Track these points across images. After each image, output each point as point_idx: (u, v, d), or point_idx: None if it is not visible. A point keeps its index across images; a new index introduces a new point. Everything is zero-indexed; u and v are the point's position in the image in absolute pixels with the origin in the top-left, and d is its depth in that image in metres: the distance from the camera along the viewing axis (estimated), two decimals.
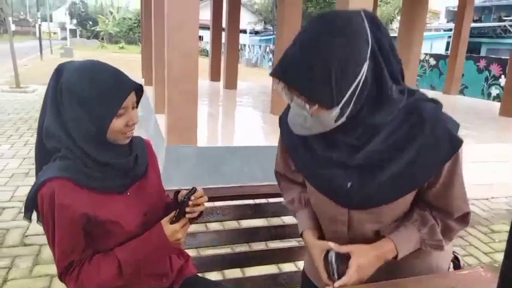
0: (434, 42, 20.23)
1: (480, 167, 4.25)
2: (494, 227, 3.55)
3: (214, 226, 2.43)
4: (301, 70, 0.89)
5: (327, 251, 1.11)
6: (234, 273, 1.96)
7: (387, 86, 0.94)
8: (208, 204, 1.69)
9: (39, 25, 24.00)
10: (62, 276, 1.17)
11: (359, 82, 0.90)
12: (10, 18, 12.06)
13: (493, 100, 10.31)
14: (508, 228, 2.76)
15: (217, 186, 1.85)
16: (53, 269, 2.58)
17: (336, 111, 0.91)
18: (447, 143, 0.96)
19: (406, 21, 9.05)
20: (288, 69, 0.92)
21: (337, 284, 1.03)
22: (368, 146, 0.98)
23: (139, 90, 1.19)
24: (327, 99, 0.90)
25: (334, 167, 1.04)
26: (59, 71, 1.13)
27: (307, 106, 0.92)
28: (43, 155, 1.16)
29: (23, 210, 3.31)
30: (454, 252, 1.39)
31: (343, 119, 0.94)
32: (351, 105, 0.92)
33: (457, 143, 0.96)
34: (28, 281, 2.41)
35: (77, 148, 1.10)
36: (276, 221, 1.81)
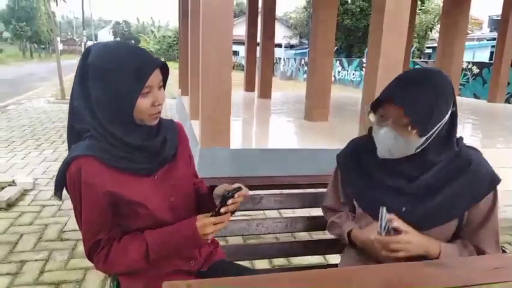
0: (476, 52, 19.47)
1: None
2: None
3: (242, 216, 2.38)
4: (415, 98, 1.11)
5: (380, 208, 1.18)
6: (262, 263, 1.91)
7: (455, 137, 1.19)
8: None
9: (85, 44, 25.38)
10: (90, 255, 1.16)
11: (442, 123, 1.13)
12: (58, 38, 12.80)
13: None
14: None
15: (247, 176, 1.82)
16: (87, 262, 2.62)
17: (422, 140, 1.13)
18: (488, 180, 1.16)
19: (446, 29, 8.79)
20: (402, 94, 1.12)
21: (383, 235, 1.13)
22: (422, 176, 1.17)
23: (165, 70, 1.16)
24: (424, 126, 1.11)
25: (391, 193, 1.21)
26: (87, 50, 1.12)
27: (409, 127, 1.12)
28: (73, 136, 1.16)
29: (62, 208, 3.40)
30: (501, 247, 1.39)
31: (418, 150, 1.16)
32: (430, 140, 1.14)
33: (497, 180, 1.16)
34: (63, 273, 2.46)
35: (103, 128, 1.09)
36: (303, 213, 1.76)
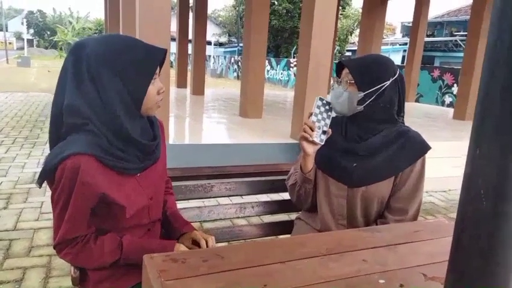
0: (390, 55, 21.22)
1: (439, 162, 4.53)
2: (451, 215, 3.81)
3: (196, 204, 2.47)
4: (357, 62, 1.46)
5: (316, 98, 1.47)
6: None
7: (394, 108, 1.43)
8: (193, 183, 1.77)
9: None
10: (59, 247, 1.14)
11: (381, 87, 1.38)
12: None
13: (447, 107, 10.92)
14: None
15: (198, 166, 1.94)
16: (25, 262, 2.53)
17: (361, 94, 1.39)
18: (420, 146, 1.44)
19: (364, 33, 9.54)
20: (350, 60, 1.49)
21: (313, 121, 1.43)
22: (369, 140, 1.44)
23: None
24: (362, 81, 1.39)
25: (344, 152, 1.47)
26: (79, 46, 1.09)
27: (350, 79, 1.40)
28: (63, 131, 1.11)
29: None
30: None
31: (361, 108, 1.40)
32: (371, 99, 1.38)
33: (427, 146, 1.45)
34: (0, 273, 2.36)
35: (102, 124, 1.07)
36: (251, 199, 1.92)
